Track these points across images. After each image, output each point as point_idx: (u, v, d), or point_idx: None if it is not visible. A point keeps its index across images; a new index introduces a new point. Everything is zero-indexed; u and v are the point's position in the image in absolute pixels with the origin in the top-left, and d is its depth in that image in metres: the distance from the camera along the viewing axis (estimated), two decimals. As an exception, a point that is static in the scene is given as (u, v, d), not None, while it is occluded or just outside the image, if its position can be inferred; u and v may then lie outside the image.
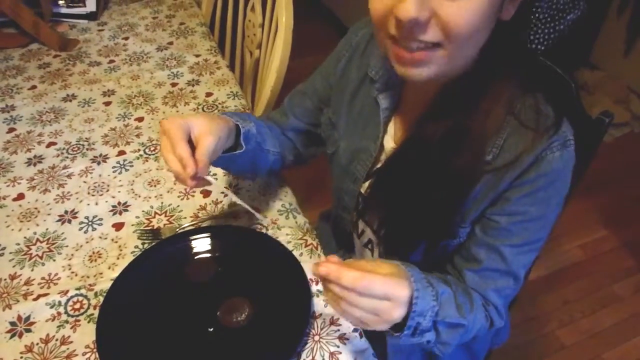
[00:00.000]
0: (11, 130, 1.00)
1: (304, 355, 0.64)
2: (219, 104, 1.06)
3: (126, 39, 1.28)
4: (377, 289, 0.48)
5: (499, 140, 0.56)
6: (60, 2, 1.35)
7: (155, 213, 0.83)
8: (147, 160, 0.92)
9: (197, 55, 1.20)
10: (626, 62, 2.20)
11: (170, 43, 1.25)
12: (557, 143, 0.55)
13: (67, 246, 0.77)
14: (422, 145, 0.58)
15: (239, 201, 0.67)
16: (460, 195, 0.58)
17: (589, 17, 1.93)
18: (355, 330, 0.67)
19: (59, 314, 0.68)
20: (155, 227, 0.80)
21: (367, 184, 0.72)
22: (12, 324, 0.67)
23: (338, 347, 0.65)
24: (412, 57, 0.50)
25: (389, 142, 0.68)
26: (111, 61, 1.19)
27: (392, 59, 0.54)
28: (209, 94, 1.08)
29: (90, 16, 1.36)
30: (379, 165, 0.70)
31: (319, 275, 0.50)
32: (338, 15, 2.69)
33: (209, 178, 0.61)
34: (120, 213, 0.83)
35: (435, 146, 0.57)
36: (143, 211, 0.83)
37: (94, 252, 0.76)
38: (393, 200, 0.65)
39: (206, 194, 0.86)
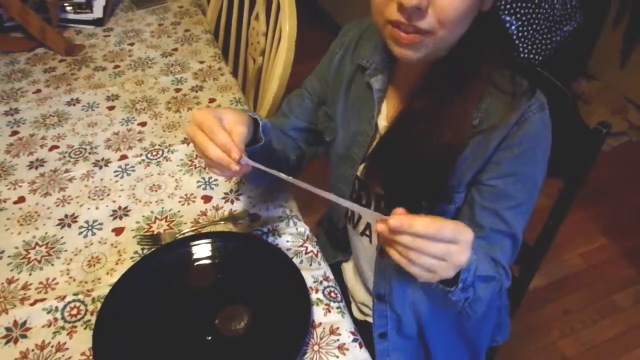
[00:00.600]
0: (14, 133, 1.00)
1: (302, 365, 0.63)
2: (222, 110, 1.05)
3: (131, 44, 1.28)
4: (447, 232, 0.49)
5: (483, 106, 0.64)
6: (68, 8, 1.36)
7: (156, 218, 0.82)
8: (148, 165, 0.92)
9: (201, 62, 1.21)
10: (623, 72, 2.23)
11: (175, 49, 1.26)
12: (535, 106, 0.63)
13: (66, 250, 0.77)
14: (414, 116, 0.66)
15: (293, 180, 0.60)
16: (452, 157, 0.64)
17: (586, 28, 1.96)
18: (354, 340, 0.66)
19: (56, 319, 0.67)
20: (155, 233, 0.80)
21: (362, 167, 0.76)
22: (8, 329, 0.67)
23: (337, 357, 0.64)
24: (408, 39, 0.58)
25: (382, 122, 0.73)
26: (116, 66, 1.20)
27: (389, 41, 0.61)
28: (212, 100, 1.08)
29: (97, 22, 1.36)
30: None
31: (387, 229, 0.49)
32: (337, 21, 2.72)
33: (252, 162, 0.60)
34: (121, 218, 0.82)
35: (426, 116, 0.64)
36: (143, 216, 0.82)
37: (92, 257, 0.76)
38: (391, 168, 0.69)
39: (207, 199, 0.85)
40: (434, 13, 0.55)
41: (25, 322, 0.67)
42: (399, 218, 0.48)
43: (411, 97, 0.67)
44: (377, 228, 0.50)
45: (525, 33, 1.74)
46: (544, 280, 1.62)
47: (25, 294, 0.71)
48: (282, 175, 0.59)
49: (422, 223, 0.48)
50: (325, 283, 0.73)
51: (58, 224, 0.81)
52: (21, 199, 0.85)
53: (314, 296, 0.71)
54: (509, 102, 0.62)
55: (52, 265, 0.75)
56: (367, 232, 0.81)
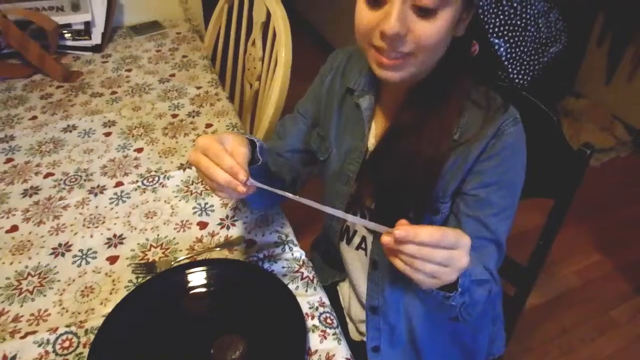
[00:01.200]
0: (9, 160, 0.99)
1: (299, 398, 0.61)
2: (219, 135, 1.06)
3: (129, 70, 1.29)
4: (449, 238, 0.52)
5: (462, 121, 0.69)
6: (67, 35, 1.37)
7: (151, 245, 0.81)
8: (144, 192, 0.91)
9: (199, 87, 1.21)
10: (608, 90, 2.29)
11: (173, 75, 1.27)
12: (510, 120, 0.67)
13: (59, 280, 0.76)
14: (399, 133, 0.70)
15: (299, 199, 0.62)
16: (435, 170, 0.68)
17: (571, 49, 2.05)
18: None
19: (47, 352, 0.66)
20: (150, 261, 0.78)
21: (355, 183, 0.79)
22: (-2, 362, 0.65)
23: (335, 388, 0.62)
24: (390, 62, 0.63)
25: (372, 139, 0.77)
26: (113, 92, 1.20)
27: (373, 64, 0.65)
28: (208, 125, 1.08)
29: (95, 48, 1.38)
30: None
31: (393, 241, 0.52)
32: (332, 43, 2.77)
33: (257, 183, 0.62)
34: (115, 246, 0.81)
35: (409, 132, 0.69)
36: (138, 244, 0.81)
37: (86, 287, 0.75)
38: (380, 182, 0.74)
39: (203, 225, 0.84)
40: (413, 39, 0.60)
41: (15, 357, 0.65)
42: (405, 228, 0.51)
43: (396, 116, 0.73)
44: (383, 240, 0.52)
45: (514, 55, 1.81)
46: (541, 299, 1.62)
47: (16, 326, 0.69)
48: (288, 194, 0.62)
49: (427, 232, 0.51)
50: (321, 309, 0.72)
51: (51, 253, 0.80)
52: (14, 228, 0.84)
53: (309, 323, 0.69)
54: (484, 116, 0.68)
55: (45, 296, 0.73)
56: (363, 246, 0.83)
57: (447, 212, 0.72)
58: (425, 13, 0.59)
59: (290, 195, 0.62)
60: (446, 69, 0.68)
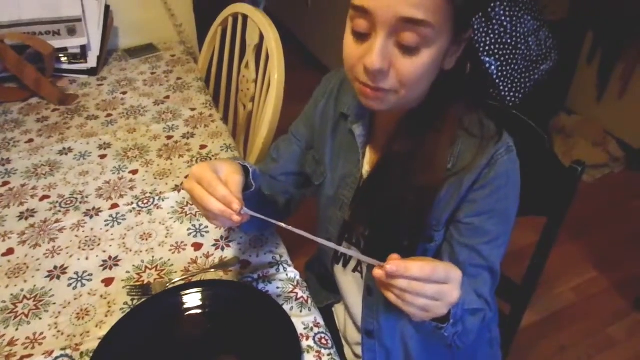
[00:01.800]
0: (5, 183, 1.00)
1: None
2: (213, 156, 1.07)
3: (124, 93, 1.31)
4: (440, 273, 0.52)
5: (455, 150, 0.68)
6: (63, 59, 1.40)
7: (146, 267, 0.82)
8: (139, 214, 0.92)
9: (193, 109, 1.23)
10: (600, 106, 2.32)
11: (167, 97, 1.29)
12: (503, 149, 0.67)
13: (54, 303, 0.76)
14: (392, 161, 0.71)
15: (292, 229, 0.63)
16: (428, 199, 0.68)
17: (562, 66, 2.05)
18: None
19: (42, 375, 0.66)
20: (145, 283, 0.79)
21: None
22: (-7, 387, 0.65)
23: (329, 408, 0.63)
24: (373, 95, 0.63)
25: (366, 166, 0.77)
26: (109, 115, 1.22)
27: (359, 95, 0.66)
28: (203, 147, 1.10)
29: (91, 72, 1.40)
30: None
31: (384, 275, 0.52)
32: (325, 64, 2.82)
33: (251, 212, 0.62)
34: (111, 268, 0.82)
35: (402, 161, 0.69)
36: (134, 265, 0.82)
37: (82, 310, 0.75)
38: (374, 210, 0.73)
39: (197, 246, 0.85)
40: (395, 75, 0.60)
41: (10, 380, 0.66)
42: (395, 263, 0.51)
43: (389, 143, 0.72)
44: (375, 274, 0.53)
45: (505, 73, 1.83)
46: (538, 316, 1.62)
47: (11, 350, 0.69)
48: (281, 225, 0.63)
49: (417, 266, 0.52)
50: (315, 329, 0.73)
51: (47, 276, 0.80)
52: (10, 251, 0.85)
53: (304, 343, 0.70)
54: (477, 146, 0.68)
55: (40, 319, 0.74)
56: (359, 269, 0.83)
57: (440, 240, 0.72)
58: (408, 50, 0.59)
59: (283, 225, 0.63)
60: (437, 98, 0.68)
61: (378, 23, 0.58)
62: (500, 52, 1.80)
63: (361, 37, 0.61)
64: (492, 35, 1.77)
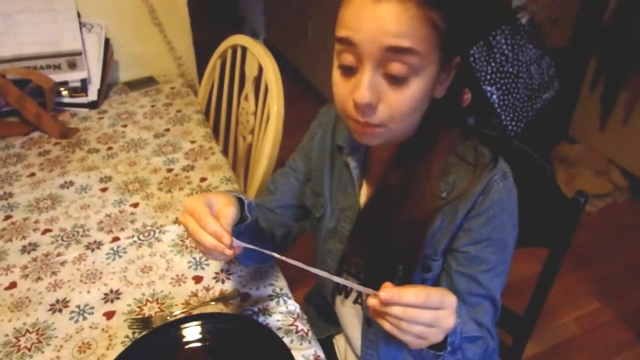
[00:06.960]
0: (7, 217, 1.02)
1: None
2: (213, 188, 1.10)
3: (125, 126, 1.34)
4: (434, 299, 0.52)
5: (450, 178, 0.69)
6: (64, 93, 1.43)
7: (147, 300, 0.83)
8: (140, 247, 0.94)
9: (193, 142, 1.26)
10: (603, 135, 2.31)
11: (167, 130, 1.32)
12: (498, 176, 0.67)
13: (56, 337, 0.77)
14: (386, 193, 0.71)
15: (285, 259, 0.64)
16: (422, 229, 0.69)
17: (564, 95, 2.06)
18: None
19: (44, 411, 0.67)
20: (146, 316, 0.80)
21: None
22: None
23: None
24: (363, 130, 0.64)
25: (363, 198, 0.78)
26: (109, 148, 1.25)
27: (352, 131, 0.67)
28: (203, 179, 1.13)
29: (92, 105, 1.43)
30: None
31: (379, 303, 0.52)
32: (323, 92, 2.84)
33: (243, 244, 0.63)
34: (112, 301, 0.83)
35: (395, 192, 0.69)
36: (135, 299, 0.83)
37: (83, 343, 0.76)
38: (370, 242, 0.74)
39: (198, 279, 0.87)
40: (385, 108, 0.61)
41: (12, 417, 0.66)
42: (389, 291, 0.52)
43: (383, 175, 0.73)
44: (369, 303, 0.53)
45: (507, 102, 1.82)
46: (540, 347, 1.60)
47: (13, 385, 0.70)
48: (275, 254, 0.63)
49: (411, 293, 0.52)
50: (316, 362, 0.74)
51: (49, 310, 0.81)
52: (12, 285, 0.86)
53: (305, 376, 0.71)
54: (472, 173, 0.68)
55: (42, 352, 0.74)
56: (359, 300, 0.84)
57: (439, 269, 0.73)
58: (396, 81, 0.59)
59: (277, 255, 0.63)
60: (429, 127, 0.68)
61: (364, 55, 0.58)
62: (502, 81, 1.78)
63: (349, 71, 0.61)
64: (493, 64, 1.76)
